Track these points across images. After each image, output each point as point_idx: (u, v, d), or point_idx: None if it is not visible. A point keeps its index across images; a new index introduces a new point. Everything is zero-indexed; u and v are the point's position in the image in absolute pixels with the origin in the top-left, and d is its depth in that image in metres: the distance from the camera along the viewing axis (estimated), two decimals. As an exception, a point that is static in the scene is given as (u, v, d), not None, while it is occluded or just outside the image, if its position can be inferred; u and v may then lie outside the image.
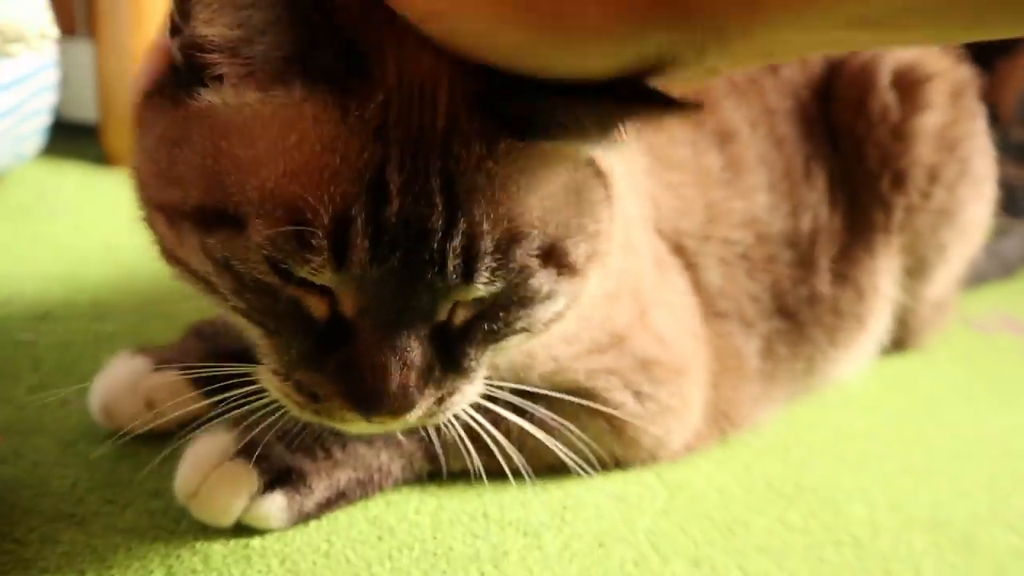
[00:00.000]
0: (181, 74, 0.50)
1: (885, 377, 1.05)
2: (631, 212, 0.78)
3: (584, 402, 0.72)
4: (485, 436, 0.70)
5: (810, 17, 0.41)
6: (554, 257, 0.54)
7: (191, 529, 0.63)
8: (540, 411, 0.71)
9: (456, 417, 0.69)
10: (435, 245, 0.47)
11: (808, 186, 0.93)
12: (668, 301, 0.80)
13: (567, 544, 0.67)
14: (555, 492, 0.73)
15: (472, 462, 0.71)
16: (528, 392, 0.71)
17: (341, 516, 0.67)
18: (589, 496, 0.73)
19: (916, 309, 1.03)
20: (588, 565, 0.65)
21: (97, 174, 1.45)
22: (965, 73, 1.00)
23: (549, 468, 0.74)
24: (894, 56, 0.98)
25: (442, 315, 0.52)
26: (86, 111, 1.54)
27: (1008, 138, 1.81)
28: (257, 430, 0.64)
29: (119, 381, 0.73)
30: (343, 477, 0.65)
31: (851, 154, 0.95)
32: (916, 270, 0.99)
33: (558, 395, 0.72)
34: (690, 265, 0.84)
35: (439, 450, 0.69)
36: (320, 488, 0.64)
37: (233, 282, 0.51)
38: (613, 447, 0.75)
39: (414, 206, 0.47)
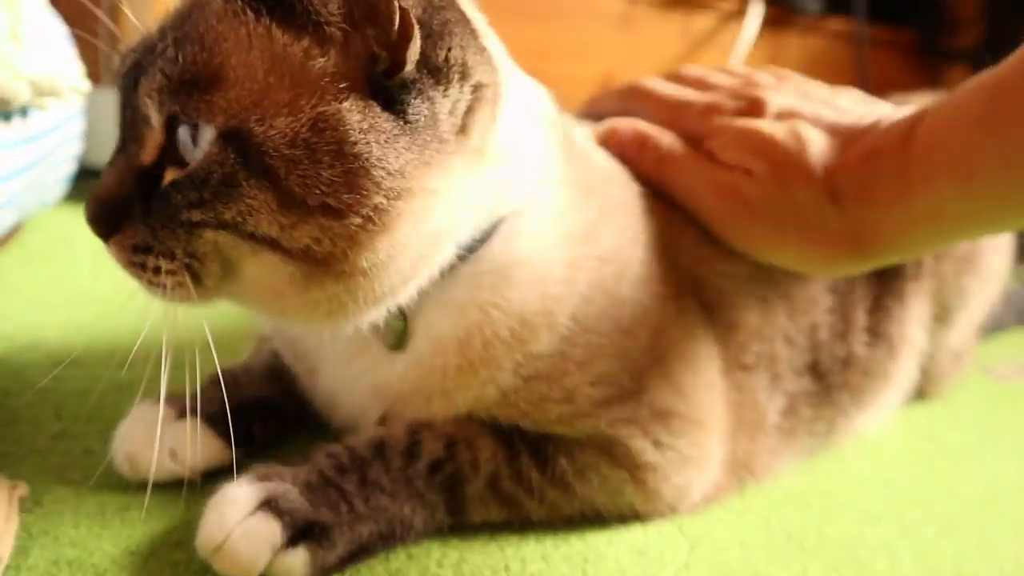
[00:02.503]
0: None
1: (903, 426, 1.05)
2: (659, 264, 0.79)
3: (605, 450, 0.73)
4: (506, 489, 0.71)
5: None
6: (240, 145, 0.55)
7: (213, 582, 0.63)
8: (561, 464, 0.71)
9: (477, 469, 0.69)
10: (141, 58, 0.59)
11: None
12: (687, 350, 0.80)
13: (589, 599, 0.67)
14: (576, 545, 0.73)
15: (493, 514, 0.71)
16: (549, 438, 0.72)
17: (363, 569, 0.66)
18: (610, 549, 0.73)
19: (937, 357, 1.03)
20: (610, 621, 0.65)
21: (117, 219, 1.47)
22: None
23: (569, 521, 0.74)
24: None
25: (146, 149, 0.60)
26: (108, 157, 1.56)
27: None
28: (280, 484, 0.64)
29: (142, 430, 0.73)
30: (365, 531, 0.65)
31: None
32: (940, 317, 0.99)
33: (578, 442, 0.72)
34: (730, 305, 0.83)
35: (461, 502, 0.70)
36: (343, 542, 0.63)
37: None
38: (634, 498, 0.75)
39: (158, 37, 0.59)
